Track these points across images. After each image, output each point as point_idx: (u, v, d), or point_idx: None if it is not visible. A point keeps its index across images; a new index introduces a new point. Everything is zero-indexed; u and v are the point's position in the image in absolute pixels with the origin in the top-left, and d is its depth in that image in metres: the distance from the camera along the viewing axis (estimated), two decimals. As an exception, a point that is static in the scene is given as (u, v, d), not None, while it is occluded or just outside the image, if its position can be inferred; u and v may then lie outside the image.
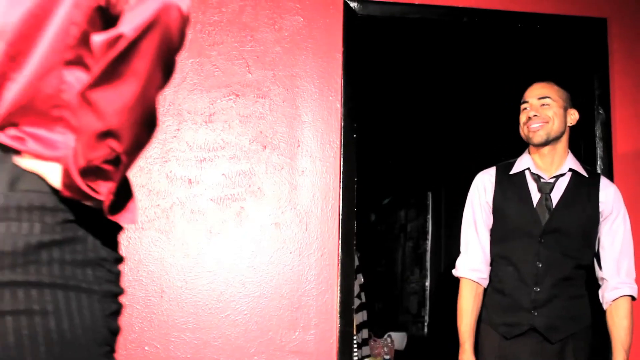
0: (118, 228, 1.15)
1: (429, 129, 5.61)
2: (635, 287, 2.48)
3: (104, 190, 1.05)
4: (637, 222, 2.96)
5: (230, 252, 2.74)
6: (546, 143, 2.51)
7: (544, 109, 2.51)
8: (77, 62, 1.11)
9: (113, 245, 1.15)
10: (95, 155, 1.02)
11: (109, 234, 1.13)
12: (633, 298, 2.47)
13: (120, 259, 1.16)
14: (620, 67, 3.08)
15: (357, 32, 2.94)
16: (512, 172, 2.57)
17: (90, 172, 1.03)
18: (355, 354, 4.11)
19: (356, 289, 4.15)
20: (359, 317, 4.35)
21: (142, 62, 0.99)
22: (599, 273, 2.50)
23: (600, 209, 2.49)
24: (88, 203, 1.07)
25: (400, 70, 4.49)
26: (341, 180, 2.82)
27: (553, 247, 2.44)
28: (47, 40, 1.08)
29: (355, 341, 3.96)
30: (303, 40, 2.91)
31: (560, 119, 2.51)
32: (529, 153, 2.58)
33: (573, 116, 2.56)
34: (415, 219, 6.77)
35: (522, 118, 2.57)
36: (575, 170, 2.53)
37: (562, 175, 2.52)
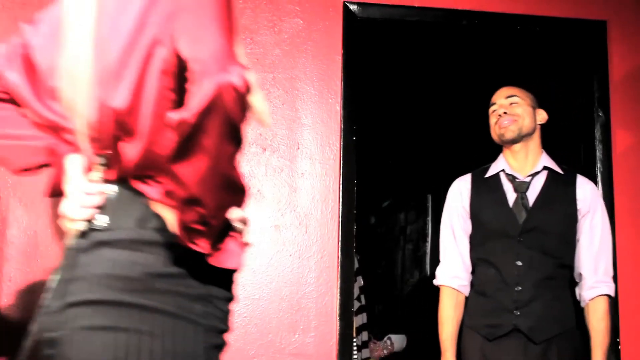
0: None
1: (429, 131, 5.61)
2: (613, 285, 2.46)
3: (203, 245, 1.19)
4: (637, 225, 2.97)
5: (229, 254, 2.74)
6: (518, 139, 2.53)
7: (513, 107, 2.55)
8: None
9: (227, 284, 1.29)
10: (186, 218, 1.15)
11: (224, 273, 1.26)
12: (610, 297, 2.46)
13: (231, 298, 1.30)
14: (620, 69, 3.08)
15: (356, 35, 2.94)
16: (487, 175, 2.59)
17: (189, 230, 1.17)
18: (355, 356, 4.10)
19: (356, 292, 4.14)
20: (359, 320, 4.35)
21: (207, 140, 1.08)
22: (577, 270, 2.48)
23: (578, 207, 2.49)
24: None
25: (400, 72, 4.49)
26: (341, 182, 2.82)
27: (532, 245, 2.43)
28: (148, 108, 1.19)
29: (355, 343, 3.96)
30: (303, 43, 2.91)
31: (530, 116, 2.54)
32: (503, 155, 2.60)
33: (541, 115, 2.59)
34: (415, 221, 6.77)
35: (492, 119, 2.60)
36: (550, 168, 2.54)
37: (537, 173, 2.53)
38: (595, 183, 2.93)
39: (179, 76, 1.18)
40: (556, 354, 2.38)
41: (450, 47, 3.91)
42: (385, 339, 5.23)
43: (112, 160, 1.26)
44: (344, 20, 2.93)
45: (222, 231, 1.23)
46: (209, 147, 1.09)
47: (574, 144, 3.14)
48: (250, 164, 2.80)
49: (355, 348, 4.03)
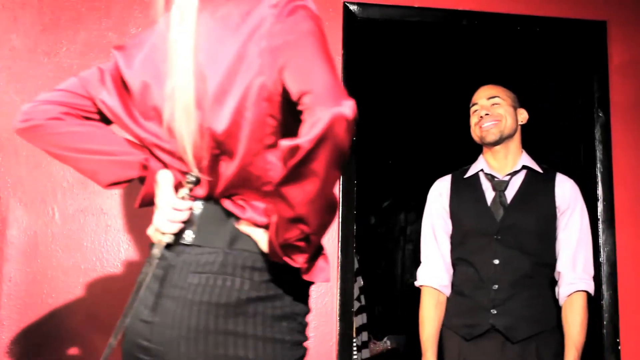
0: (311, 282, 1.36)
1: (429, 131, 5.61)
2: (591, 283, 2.41)
3: (300, 260, 1.27)
4: (637, 225, 2.96)
5: (229, 254, 2.74)
6: (500, 141, 2.53)
7: (494, 108, 2.54)
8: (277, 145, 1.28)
9: (305, 299, 1.38)
10: (289, 235, 1.23)
11: (303, 289, 1.37)
12: (589, 294, 2.40)
13: (308, 311, 1.39)
14: (620, 70, 3.08)
15: (356, 35, 2.93)
16: (467, 175, 2.59)
17: (288, 247, 1.24)
18: (355, 356, 4.10)
19: (356, 292, 4.14)
20: (359, 320, 4.35)
21: (319, 166, 1.16)
22: (557, 269, 2.45)
23: (557, 204, 2.46)
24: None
25: (400, 72, 4.50)
26: (341, 182, 2.82)
27: (510, 243, 2.41)
28: (246, 132, 1.28)
29: (354, 344, 3.96)
30: (303, 43, 2.90)
31: (512, 117, 2.54)
32: (483, 155, 2.60)
33: (523, 115, 2.59)
34: (415, 221, 6.76)
35: (473, 120, 2.60)
36: (529, 167, 2.53)
37: (517, 172, 2.52)
38: (595, 183, 2.93)
39: (283, 104, 1.26)
40: (535, 354, 2.35)
41: (450, 48, 3.91)
42: (385, 339, 5.23)
43: (205, 178, 1.33)
44: (344, 20, 2.93)
45: (317, 251, 1.32)
46: (319, 172, 1.16)
47: (574, 144, 3.14)
48: (250, 164, 2.80)
49: (355, 348, 4.03)
